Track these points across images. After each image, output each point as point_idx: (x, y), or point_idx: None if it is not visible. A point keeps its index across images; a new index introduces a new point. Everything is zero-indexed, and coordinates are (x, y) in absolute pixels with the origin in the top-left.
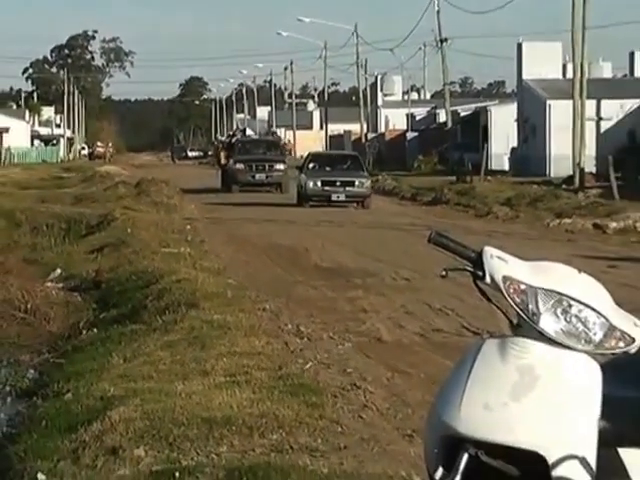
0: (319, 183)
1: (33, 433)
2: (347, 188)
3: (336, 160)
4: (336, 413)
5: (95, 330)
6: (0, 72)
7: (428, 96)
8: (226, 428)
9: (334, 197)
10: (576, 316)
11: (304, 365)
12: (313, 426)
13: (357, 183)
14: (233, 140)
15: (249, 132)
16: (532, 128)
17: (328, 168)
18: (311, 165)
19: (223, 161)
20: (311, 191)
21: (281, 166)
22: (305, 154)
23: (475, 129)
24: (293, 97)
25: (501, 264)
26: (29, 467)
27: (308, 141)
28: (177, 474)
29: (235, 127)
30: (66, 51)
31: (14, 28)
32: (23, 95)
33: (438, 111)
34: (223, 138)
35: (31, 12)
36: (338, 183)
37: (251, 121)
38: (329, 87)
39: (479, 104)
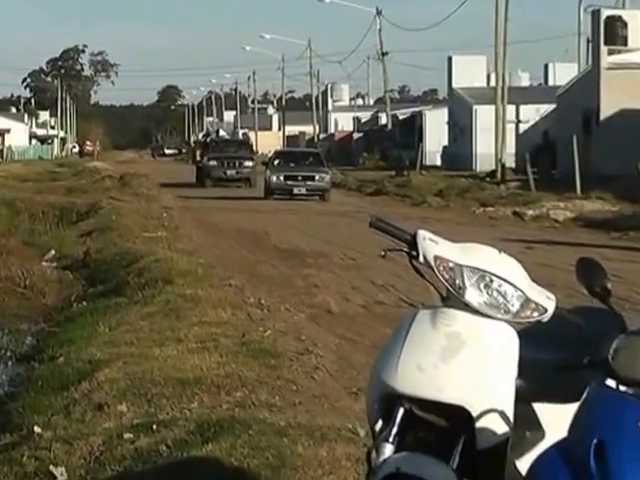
0: (282, 178)
1: (30, 392)
2: (308, 182)
3: (299, 157)
4: (292, 374)
5: (84, 303)
6: (2, 81)
7: (371, 102)
8: (197, 387)
9: (295, 191)
10: (497, 290)
11: (264, 333)
12: (272, 385)
13: (317, 178)
14: (207, 140)
15: (222, 133)
16: (460, 129)
17: (292, 164)
18: (276, 161)
19: (198, 158)
20: (274, 185)
21: (250, 163)
22: (265, 152)
23: (412, 130)
24: (255, 103)
25: (432, 245)
26: (27, 421)
27: (268, 141)
28: (154, 427)
29: (206, 129)
30: (60, 63)
31: (14, 42)
32: (22, 101)
33: (380, 115)
34: (199, 138)
35: (29, 29)
36: (299, 178)
37: (219, 124)
38: (286, 94)
39: (415, 109)
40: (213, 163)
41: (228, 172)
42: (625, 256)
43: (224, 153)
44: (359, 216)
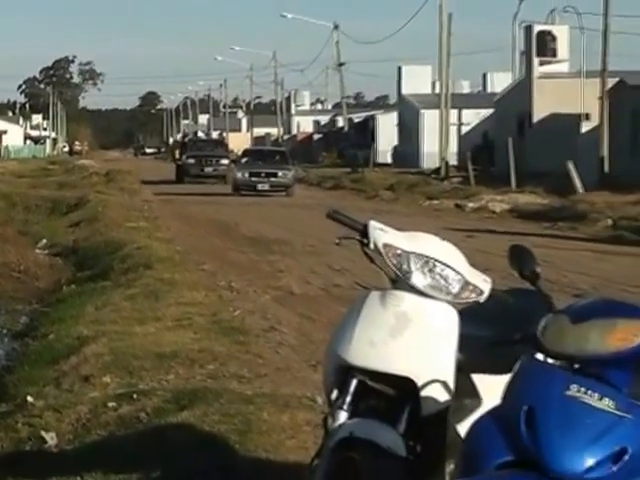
0: (247, 174)
1: (24, 365)
2: (271, 179)
3: (266, 155)
4: (258, 349)
5: (73, 286)
6: (1, 86)
7: (330, 107)
8: (173, 361)
9: (259, 187)
10: (439, 274)
11: (234, 312)
12: (241, 359)
13: (280, 174)
14: (186, 140)
15: (199, 134)
16: (409, 131)
17: (259, 162)
18: (244, 159)
19: (177, 157)
20: (240, 181)
21: (225, 161)
22: (235, 151)
23: (365, 132)
24: (226, 107)
25: (382, 234)
26: (21, 391)
27: (238, 141)
28: (135, 396)
29: (182, 130)
30: (51, 72)
31: (11, 53)
32: (18, 105)
33: (337, 118)
34: (178, 138)
35: (24, 41)
36: (263, 174)
37: (194, 126)
38: (254, 99)
39: (369, 113)
40: (192, 161)
41: (205, 169)
42: (554, 243)
43: (202, 152)
44: (319, 208)
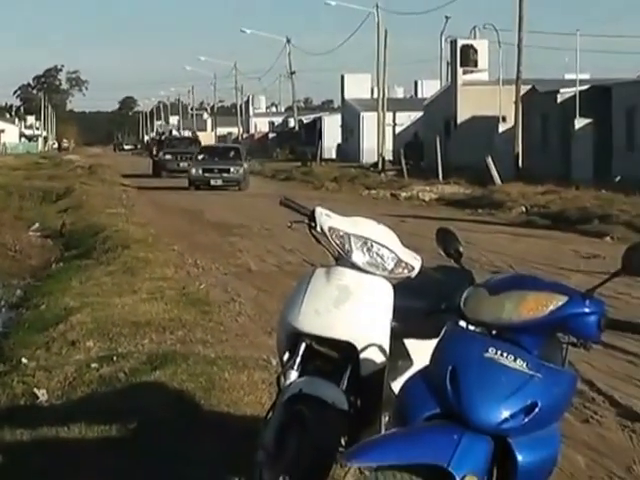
0: (200, 170)
1: (19, 332)
2: (223, 174)
3: (221, 152)
4: (220, 318)
5: (61, 264)
6: None
7: (283, 109)
8: (147, 328)
9: (212, 182)
10: (376, 253)
11: (200, 286)
12: (205, 326)
13: (232, 170)
14: (162, 138)
15: (174, 132)
16: (351, 131)
17: (215, 158)
18: (200, 156)
19: (154, 153)
20: (194, 177)
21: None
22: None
23: (313, 131)
24: (193, 110)
25: (327, 219)
26: (16, 354)
27: (204, 139)
28: (115, 358)
29: (155, 130)
30: (43, 79)
31: (7, 62)
32: (14, 108)
33: (289, 119)
34: (154, 136)
35: (19, 52)
36: (216, 170)
37: (166, 126)
38: (218, 103)
39: (316, 115)
40: (168, 157)
41: (181, 164)
42: (475, 227)
43: (177, 149)
44: (273, 197)
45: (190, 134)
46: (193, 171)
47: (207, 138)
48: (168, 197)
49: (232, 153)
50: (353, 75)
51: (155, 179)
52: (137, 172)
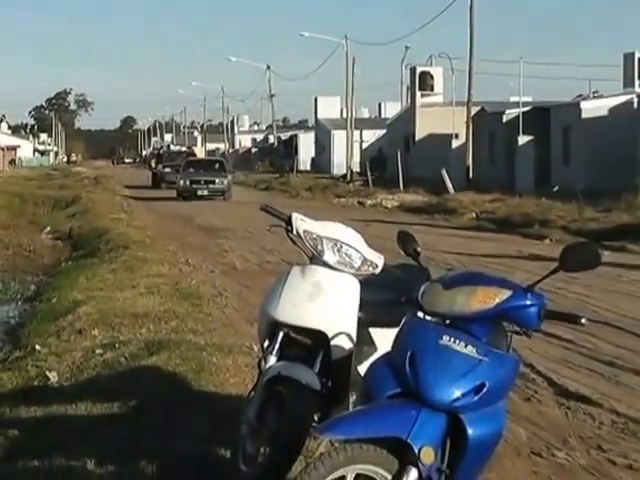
0: (188, 182)
1: (33, 322)
2: (209, 185)
3: (206, 164)
4: (209, 309)
5: (70, 262)
6: (14, 112)
7: (264, 127)
8: (145, 318)
9: (199, 192)
10: (345, 253)
11: (191, 282)
12: (196, 317)
13: (217, 181)
14: (161, 152)
15: (172, 147)
16: (323, 146)
17: (201, 170)
18: (188, 169)
19: (153, 166)
20: (181, 188)
21: None
22: None
23: (290, 146)
24: (185, 128)
25: (302, 223)
26: (30, 341)
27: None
28: (116, 345)
29: (152, 145)
30: (54, 101)
31: (23, 86)
32: (28, 126)
33: (269, 136)
34: (153, 150)
35: (33, 77)
36: (202, 182)
37: (161, 142)
38: (207, 122)
39: (293, 132)
40: (168, 170)
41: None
42: (431, 230)
43: (175, 162)
44: (255, 204)
45: (186, 148)
46: (181, 182)
47: (198, 153)
48: (163, 205)
49: (217, 165)
50: (325, 98)
51: (153, 190)
52: (137, 184)
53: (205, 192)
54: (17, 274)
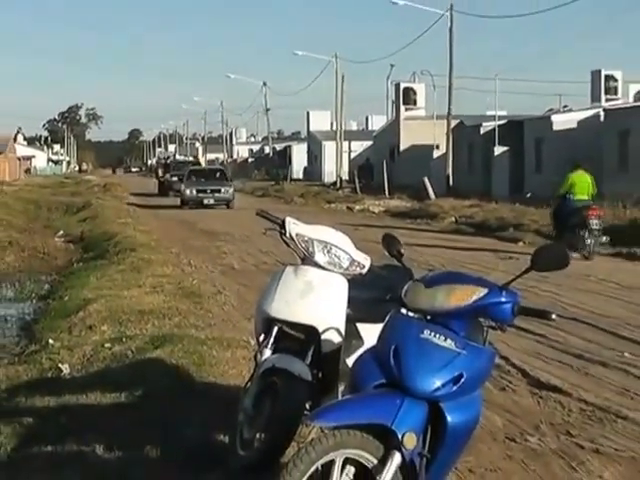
0: (194, 191)
1: (47, 318)
2: (215, 194)
3: (208, 173)
4: (209, 306)
5: (81, 264)
6: (30, 125)
7: (260, 139)
8: (150, 315)
9: (205, 201)
10: (334, 254)
11: (193, 281)
12: (197, 314)
13: (223, 190)
14: (167, 161)
15: (178, 157)
16: (315, 156)
17: (202, 179)
18: (190, 178)
19: (160, 175)
20: (188, 197)
21: None
22: None
23: (285, 156)
24: (188, 139)
25: (295, 226)
26: (44, 336)
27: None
28: (124, 339)
29: (157, 155)
30: (66, 114)
31: (38, 101)
32: (42, 138)
33: (265, 147)
34: (159, 160)
35: (47, 92)
36: (209, 191)
37: (165, 152)
38: (207, 134)
39: (287, 143)
40: (174, 179)
41: None
42: (414, 234)
43: (182, 171)
44: (251, 210)
45: (192, 158)
46: (187, 192)
47: (202, 162)
48: (168, 211)
49: (218, 174)
50: (316, 112)
51: (159, 197)
52: (144, 191)
53: (211, 201)
54: (32, 274)
